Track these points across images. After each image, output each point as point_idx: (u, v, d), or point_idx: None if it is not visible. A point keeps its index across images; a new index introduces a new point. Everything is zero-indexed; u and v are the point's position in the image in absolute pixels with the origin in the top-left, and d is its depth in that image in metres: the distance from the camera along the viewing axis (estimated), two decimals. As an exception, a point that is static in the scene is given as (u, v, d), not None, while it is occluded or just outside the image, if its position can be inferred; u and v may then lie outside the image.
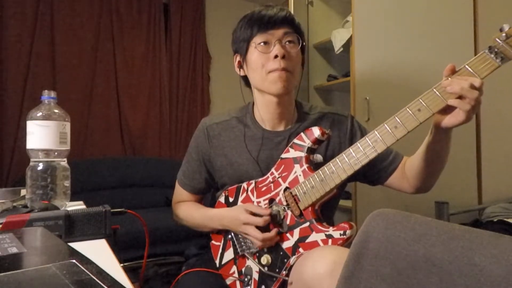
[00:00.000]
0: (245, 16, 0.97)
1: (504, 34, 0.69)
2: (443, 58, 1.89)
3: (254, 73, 0.95)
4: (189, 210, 1.07)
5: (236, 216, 0.91)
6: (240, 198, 0.98)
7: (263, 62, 0.92)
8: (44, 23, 2.75)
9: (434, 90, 0.74)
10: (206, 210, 1.05)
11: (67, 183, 0.90)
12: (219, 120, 1.05)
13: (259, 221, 0.87)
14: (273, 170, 0.95)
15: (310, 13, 2.32)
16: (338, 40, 2.05)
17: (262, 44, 0.92)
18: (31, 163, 0.86)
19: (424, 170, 0.90)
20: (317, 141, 0.90)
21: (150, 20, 3.21)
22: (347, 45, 1.98)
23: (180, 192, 1.10)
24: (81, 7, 2.92)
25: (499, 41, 0.69)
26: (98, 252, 0.65)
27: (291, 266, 0.83)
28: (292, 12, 1.03)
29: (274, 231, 0.87)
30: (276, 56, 0.90)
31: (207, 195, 1.14)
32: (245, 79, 1.02)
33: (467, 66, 0.72)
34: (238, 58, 1.00)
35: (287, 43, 0.93)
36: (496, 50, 0.70)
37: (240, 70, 1.01)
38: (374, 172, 0.99)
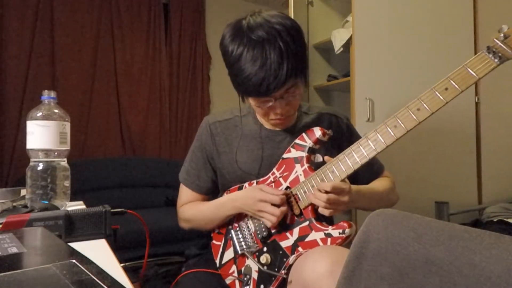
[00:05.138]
0: (237, 39, 0.86)
1: (502, 35, 0.71)
2: (443, 58, 1.89)
3: (254, 109, 0.93)
4: (197, 207, 1.03)
5: (251, 195, 0.89)
6: (241, 198, 0.98)
7: (262, 112, 0.90)
8: (44, 23, 2.75)
9: (434, 89, 0.75)
10: (215, 200, 1.01)
11: (67, 183, 0.89)
12: (222, 119, 1.04)
13: (276, 199, 0.85)
14: (274, 170, 0.95)
15: (310, 13, 2.32)
16: (338, 40, 2.05)
17: (258, 104, 0.87)
18: (31, 163, 0.86)
19: None
20: (318, 141, 0.90)
21: (150, 20, 3.21)
22: (347, 45, 1.97)
23: (185, 193, 1.06)
24: (81, 7, 2.92)
25: (497, 42, 0.71)
26: (98, 252, 0.65)
27: (290, 265, 0.83)
28: (292, 15, 0.95)
29: (286, 207, 0.87)
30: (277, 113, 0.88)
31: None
32: None
33: (467, 68, 0.73)
34: None
35: (289, 90, 0.85)
36: (494, 50, 0.71)
37: None
38: (358, 178, 0.99)
